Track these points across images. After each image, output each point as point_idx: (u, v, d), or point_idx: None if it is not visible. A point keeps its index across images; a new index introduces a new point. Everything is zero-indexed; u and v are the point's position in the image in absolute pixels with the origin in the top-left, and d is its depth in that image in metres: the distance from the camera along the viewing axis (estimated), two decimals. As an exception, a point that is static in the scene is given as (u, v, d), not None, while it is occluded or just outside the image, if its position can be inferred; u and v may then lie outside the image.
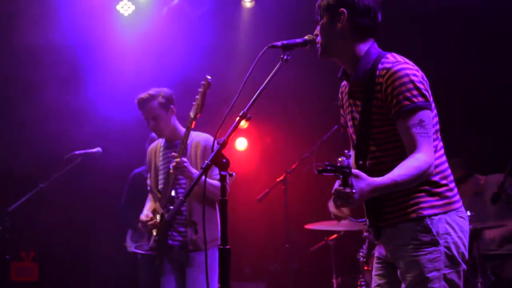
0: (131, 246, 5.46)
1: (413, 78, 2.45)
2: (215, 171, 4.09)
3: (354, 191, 2.20)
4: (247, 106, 2.56)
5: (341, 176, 2.20)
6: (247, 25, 7.20)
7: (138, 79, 6.53)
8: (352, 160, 2.79)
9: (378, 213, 2.58)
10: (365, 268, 4.71)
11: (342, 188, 2.20)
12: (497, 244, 5.06)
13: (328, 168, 2.17)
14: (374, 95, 2.53)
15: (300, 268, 5.89)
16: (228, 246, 2.46)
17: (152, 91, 4.25)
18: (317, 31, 2.72)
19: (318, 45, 2.71)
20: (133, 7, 6.97)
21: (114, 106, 6.36)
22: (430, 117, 2.46)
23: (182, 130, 4.26)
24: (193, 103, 3.91)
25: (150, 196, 4.47)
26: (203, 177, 2.50)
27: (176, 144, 4.25)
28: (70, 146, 5.28)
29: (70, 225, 6.39)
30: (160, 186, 4.25)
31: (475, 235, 4.57)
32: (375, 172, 2.49)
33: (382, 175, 2.41)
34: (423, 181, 2.45)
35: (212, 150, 2.49)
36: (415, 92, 2.43)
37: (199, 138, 4.18)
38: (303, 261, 5.94)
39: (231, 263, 3.94)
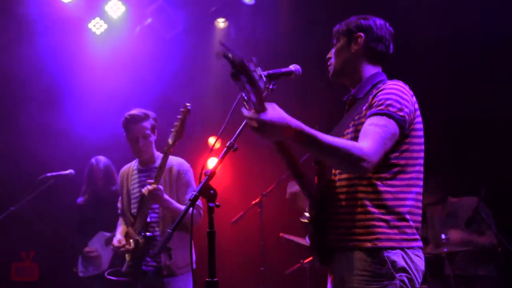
0: (81, 271, 5.48)
1: (400, 94, 2.47)
2: (190, 193, 4.09)
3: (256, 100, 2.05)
4: (234, 137, 2.55)
5: (232, 72, 2.07)
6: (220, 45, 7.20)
7: (110, 97, 6.49)
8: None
9: (329, 232, 2.54)
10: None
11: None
12: (469, 264, 5.12)
13: (227, 55, 2.04)
14: (363, 107, 2.54)
15: (275, 291, 5.86)
16: (216, 279, 2.42)
17: (144, 110, 4.21)
18: (330, 54, 2.81)
19: (331, 67, 2.79)
20: (105, 26, 6.95)
21: (86, 126, 6.28)
22: (395, 131, 2.39)
23: (157, 154, 4.25)
24: (171, 129, 3.86)
25: (121, 220, 4.42)
26: (188, 208, 2.45)
27: (151, 168, 4.21)
28: (43, 167, 5.18)
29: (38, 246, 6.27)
30: (133, 210, 4.19)
31: (449, 257, 4.64)
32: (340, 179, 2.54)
33: (344, 183, 2.48)
34: (378, 204, 2.41)
35: (199, 181, 2.45)
36: (395, 104, 2.43)
37: (172, 162, 4.15)
38: (278, 284, 5.90)
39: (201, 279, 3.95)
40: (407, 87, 2.55)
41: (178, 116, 3.85)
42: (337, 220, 2.53)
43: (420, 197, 2.54)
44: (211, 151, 2.64)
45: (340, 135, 2.58)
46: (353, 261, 2.45)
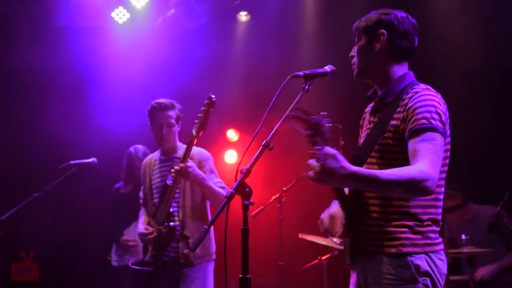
0: (115, 260, 5.51)
1: (437, 105, 2.45)
2: (214, 179, 4.13)
3: (322, 161, 2.09)
4: (270, 136, 2.55)
5: (308, 132, 2.11)
6: (242, 38, 7.23)
7: (132, 87, 6.51)
8: None
9: (357, 235, 2.58)
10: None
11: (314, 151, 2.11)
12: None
13: (300, 115, 2.10)
14: (395, 115, 2.53)
15: (292, 285, 5.89)
16: (249, 276, 2.45)
17: (171, 100, 4.24)
18: (353, 52, 2.74)
19: (355, 66, 2.73)
20: (128, 15, 6.95)
21: (109, 115, 6.32)
22: (442, 142, 2.41)
23: (179, 145, 4.29)
24: (196, 121, 3.89)
25: (143, 210, 4.44)
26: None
27: (172, 158, 4.24)
28: (68, 155, 5.22)
29: (61, 235, 6.31)
30: (155, 201, 4.22)
31: (468, 261, 4.64)
32: None
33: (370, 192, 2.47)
34: (403, 211, 2.45)
35: (235, 179, 2.47)
36: (435, 116, 2.42)
37: (193, 152, 4.13)
38: (295, 279, 5.93)
39: (219, 275, 3.98)
40: (439, 95, 2.55)
41: (202, 108, 3.87)
42: (365, 226, 2.57)
43: (442, 202, 2.58)
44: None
45: (374, 143, 2.57)
46: (378, 265, 2.51)
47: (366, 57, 2.68)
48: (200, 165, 4.15)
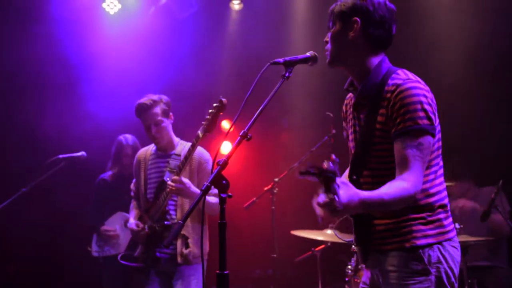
0: (96, 251, 5.47)
1: (422, 99, 2.38)
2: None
3: (337, 199, 2.02)
4: (248, 126, 2.48)
5: (326, 185, 2.04)
6: (235, 27, 7.15)
7: (124, 78, 6.46)
8: (346, 174, 2.75)
9: (368, 236, 2.54)
10: (355, 280, 4.68)
11: (325, 195, 2.04)
12: (483, 256, 5.07)
13: (311, 171, 2.02)
14: (379, 111, 2.47)
15: (285, 277, 5.84)
16: (227, 271, 2.38)
17: (153, 96, 4.13)
18: (327, 37, 2.65)
19: (328, 53, 2.64)
20: (119, 6, 6.89)
21: (100, 107, 6.27)
22: (430, 142, 2.39)
23: (176, 140, 4.20)
24: (203, 122, 3.79)
25: (134, 203, 4.39)
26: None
27: (169, 155, 4.16)
28: (58, 149, 5.17)
29: (46, 229, 6.28)
30: (148, 196, 4.15)
31: (463, 249, 4.56)
32: (368, 189, 2.38)
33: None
34: (412, 206, 2.41)
35: (212, 171, 2.40)
36: (421, 114, 2.36)
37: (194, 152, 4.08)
38: (288, 271, 5.88)
39: (210, 271, 3.93)
40: (422, 83, 2.45)
41: (211, 110, 3.76)
42: (374, 225, 2.53)
43: (444, 185, 2.55)
44: (226, 135, 2.55)
45: (368, 148, 2.51)
46: (391, 259, 2.48)
47: (339, 45, 2.59)
48: (200, 167, 4.11)
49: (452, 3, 5.84)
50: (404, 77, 2.46)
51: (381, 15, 2.54)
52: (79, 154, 5.21)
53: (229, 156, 2.43)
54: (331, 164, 2.02)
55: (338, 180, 2.05)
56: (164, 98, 4.16)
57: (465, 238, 4.57)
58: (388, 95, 2.43)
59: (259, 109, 2.50)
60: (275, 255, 5.45)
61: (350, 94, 2.75)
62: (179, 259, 3.96)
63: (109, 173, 5.64)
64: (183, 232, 3.97)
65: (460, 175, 5.11)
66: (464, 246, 4.54)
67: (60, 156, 5.09)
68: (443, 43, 5.82)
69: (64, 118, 6.21)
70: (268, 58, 6.19)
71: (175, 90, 4.23)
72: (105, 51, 6.60)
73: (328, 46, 2.64)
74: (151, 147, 4.31)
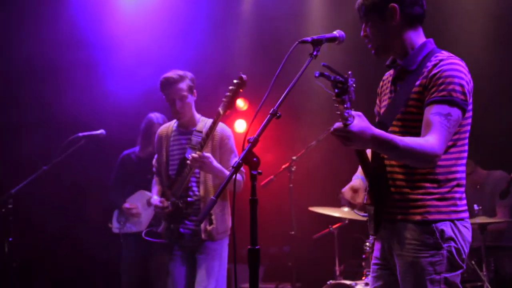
0: (116, 228, 5.48)
1: (460, 75, 2.44)
2: (234, 160, 4.09)
3: (349, 121, 2.14)
4: (277, 104, 2.50)
5: (336, 91, 2.11)
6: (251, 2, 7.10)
7: (140, 57, 6.46)
8: (359, 170, 2.81)
9: (382, 203, 2.58)
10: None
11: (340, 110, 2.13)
12: (500, 236, 5.10)
13: (326, 74, 2.11)
14: (418, 82, 2.51)
15: (303, 254, 5.90)
16: (258, 246, 2.43)
17: (179, 72, 4.13)
18: (365, 32, 2.68)
19: (371, 46, 2.69)
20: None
21: (118, 86, 6.30)
22: (459, 116, 2.43)
23: (197, 117, 4.22)
24: (223, 99, 3.81)
25: (156, 179, 4.42)
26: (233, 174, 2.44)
27: (191, 131, 4.17)
28: (77, 127, 5.22)
29: (66, 207, 6.36)
30: (170, 172, 4.19)
31: (481, 229, 4.61)
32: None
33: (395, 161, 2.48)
34: (431, 178, 2.46)
35: (243, 149, 2.43)
36: (457, 88, 2.41)
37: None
38: (306, 248, 5.94)
39: (232, 246, 3.99)
40: (463, 63, 2.51)
41: (231, 87, 3.77)
42: (389, 193, 2.56)
43: (465, 168, 2.58)
44: (253, 120, 2.56)
45: (397, 110, 2.55)
46: (403, 231, 2.52)
47: (382, 35, 2.64)
48: (222, 142, 4.11)
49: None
50: (448, 55, 2.54)
51: None
52: (98, 132, 5.25)
53: (259, 134, 2.46)
54: (350, 76, 2.11)
55: (354, 112, 2.16)
56: (189, 74, 4.16)
57: (483, 219, 4.61)
58: (430, 67, 2.49)
59: (288, 88, 2.50)
60: (293, 233, 5.49)
61: (390, 71, 2.78)
62: (203, 235, 4.01)
63: (136, 149, 5.59)
64: (204, 208, 4.01)
65: None
66: (482, 226, 4.59)
67: (80, 134, 5.15)
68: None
69: (84, 97, 6.22)
70: (284, 36, 6.21)
71: (192, 64, 4.22)
72: (123, 30, 6.58)
73: (368, 39, 2.68)
74: (172, 124, 4.33)
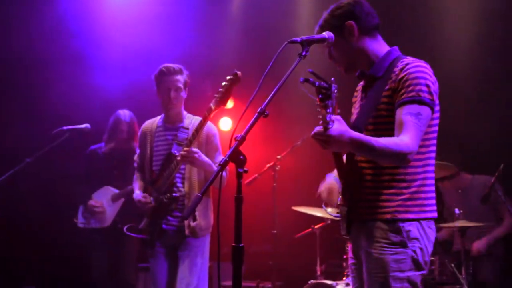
0: (81, 223, 5.46)
1: (426, 76, 2.55)
2: (219, 158, 4.11)
3: (330, 125, 2.23)
4: (265, 103, 2.51)
5: (320, 96, 2.22)
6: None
7: (128, 52, 6.43)
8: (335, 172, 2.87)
9: (354, 203, 2.66)
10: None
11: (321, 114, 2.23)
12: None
13: (311, 80, 2.22)
14: (386, 86, 2.60)
15: (284, 253, 5.92)
16: (242, 244, 2.44)
17: (180, 66, 4.18)
18: (330, 55, 2.79)
19: (339, 66, 2.80)
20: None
21: (105, 81, 6.27)
22: (429, 115, 2.54)
23: (184, 113, 4.24)
24: (215, 95, 3.79)
25: (137, 175, 4.42)
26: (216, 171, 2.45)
27: (177, 127, 4.18)
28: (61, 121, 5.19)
29: (44, 200, 6.34)
30: (154, 168, 4.19)
31: (461, 232, 4.66)
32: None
33: (366, 160, 2.58)
34: (401, 179, 2.55)
35: (230, 146, 2.44)
36: (424, 88, 2.52)
37: None
38: (288, 247, 5.96)
39: (213, 243, 4.00)
40: (428, 66, 2.62)
41: (225, 83, 3.74)
42: (361, 194, 2.65)
43: (434, 168, 2.67)
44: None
45: (369, 115, 2.64)
46: (371, 230, 2.60)
47: (347, 53, 2.76)
48: (208, 140, 4.14)
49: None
50: (413, 59, 2.65)
51: (365, 8, 2.74)
52: (83, 126, 5.20)
53: (247, 132, 2.47)
54: (333, 83, 2.22)
55: (335, 116, 2.27)
56: (187, 71, 4.21)
57: (464, 223, 4.66)
58: (397, 72, 2.59)
59: (276, 87, 2.52)
60: (275, 231, 5.52)
61: (362, 82, 2.87)
62: (186, 232, 4.01)
63: (102, 145, 5.57)
64: (190, 204, 4.02)
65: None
66: (462, 230, 4.65)
67: (65, 127, 5.10)
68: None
69: (70, 91, 6.18)
70: (271, 34, 6.20)
71: (180, 64, 4.22)
72: (111, 24, 6.55)
73: (335, 61, 2.80)
74: (157, 120, 4.32)
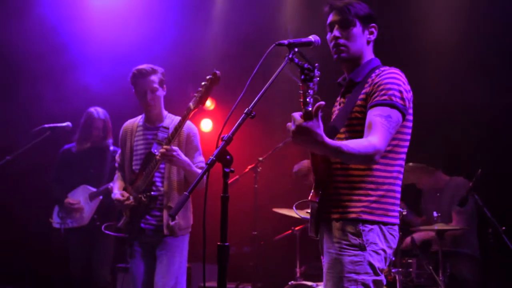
0: (57, 223, 5.45)
1: (399, 82, 2.64)
2: (198, 158, 4.13)
3: (309, 107, 2.26)
4: (252, 104, 2.55)
5: (302, 77, 2.27)
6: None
7: (109, 50, 6.41)
8: None
9: (323, 202, 2.70)
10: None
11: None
12: (452, 242, 5.24)
13: (296, 61, 2.35)
14: (363, 91, 2.69)
15: (264, 255, 5.94)
16: (227, 243, 2.46)
17: (151, 65, 4.16)
18: (339, 34, 2.80)
19: (343, 48, 2.80)
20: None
21: (88, 80, 6.24)
22: (399, 119, 2.60)
23: (165, 113, 4.24)
24: (195, 94, 3.81)
25: (118, 174, 4.41)
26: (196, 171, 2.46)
27: (158, 127, 4.19)
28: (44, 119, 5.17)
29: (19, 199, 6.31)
30: (134, 167, 4.18)
31: (439, 234, 4.74)
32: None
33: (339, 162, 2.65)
34: (370, 181, 2.61)
35: (217, 147, 2.46)
36: (396, 94, 2.60)
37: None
38: (268, 249, 5.98)
39: (192, 244, 4.01)
40: (403, 75, 2.71)
41: (204, 83, 3.76)
42: (332, 192, 2.71)
43: (402, 175, 2.74)
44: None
45: (345, 117, 2.72)
46: (333, 231, 2.65)
47: (359, 45, 2.83)
48: (188, 139, 4.14)
49: None
50: (390, 67, 2.75)
51: (375, 21, 2.88)
52: (64, 124, 5.22)
53: (234, 132, 2.50)
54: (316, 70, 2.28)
55: (314, 86, 2.29)
56: (161, 69, 4.20)
57: (441, 226, 4.74)
58: (373, 77, 2.69)
59: (264, 89, 2.57)
60: (255, 233, 5.54)
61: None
62: (165, 231, 4.00)
63: (75, 145, 5.55)
64: (169, 204, 4.01)
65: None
66: (440, 232, 4.73)
67: (46, 125, 5.10)
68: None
69: (52, 89, 6.16)
70: (254, 35, 6.21)
71: (162, 64, 4.23)
72: (94, 22, 6.55)
73: (345, 42, 2.80)
74: (138, 119, 4.33)
